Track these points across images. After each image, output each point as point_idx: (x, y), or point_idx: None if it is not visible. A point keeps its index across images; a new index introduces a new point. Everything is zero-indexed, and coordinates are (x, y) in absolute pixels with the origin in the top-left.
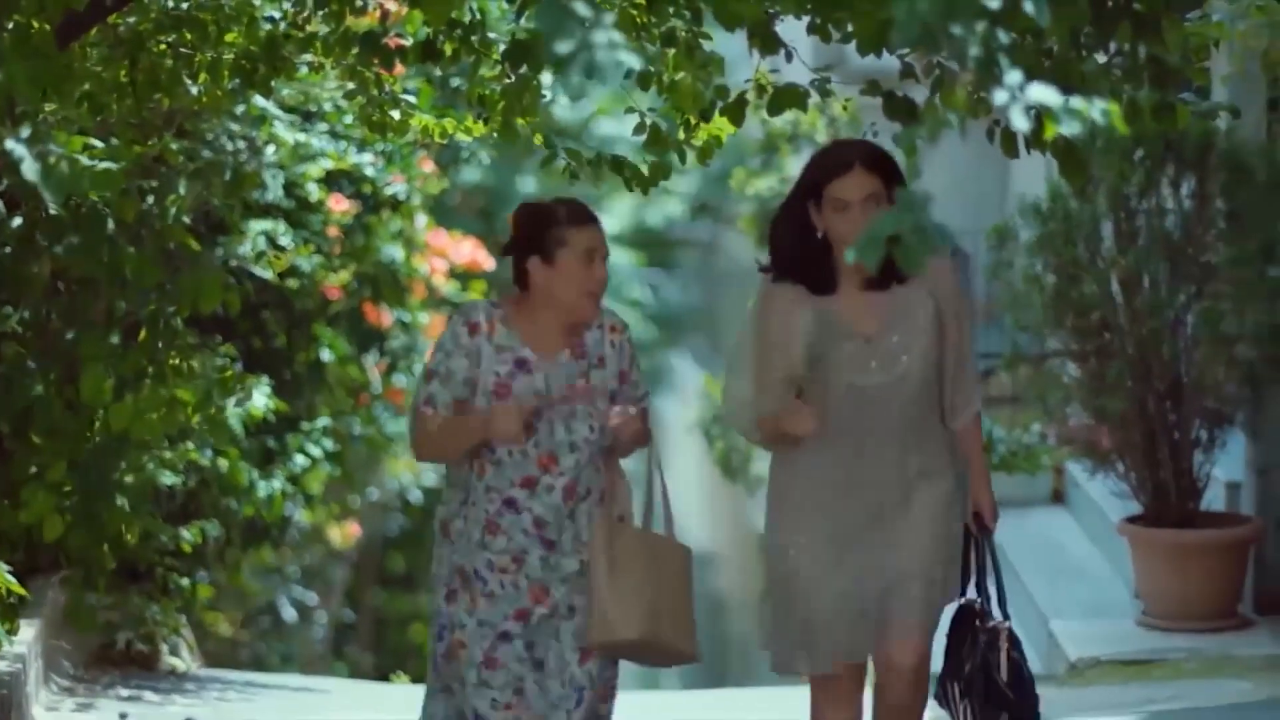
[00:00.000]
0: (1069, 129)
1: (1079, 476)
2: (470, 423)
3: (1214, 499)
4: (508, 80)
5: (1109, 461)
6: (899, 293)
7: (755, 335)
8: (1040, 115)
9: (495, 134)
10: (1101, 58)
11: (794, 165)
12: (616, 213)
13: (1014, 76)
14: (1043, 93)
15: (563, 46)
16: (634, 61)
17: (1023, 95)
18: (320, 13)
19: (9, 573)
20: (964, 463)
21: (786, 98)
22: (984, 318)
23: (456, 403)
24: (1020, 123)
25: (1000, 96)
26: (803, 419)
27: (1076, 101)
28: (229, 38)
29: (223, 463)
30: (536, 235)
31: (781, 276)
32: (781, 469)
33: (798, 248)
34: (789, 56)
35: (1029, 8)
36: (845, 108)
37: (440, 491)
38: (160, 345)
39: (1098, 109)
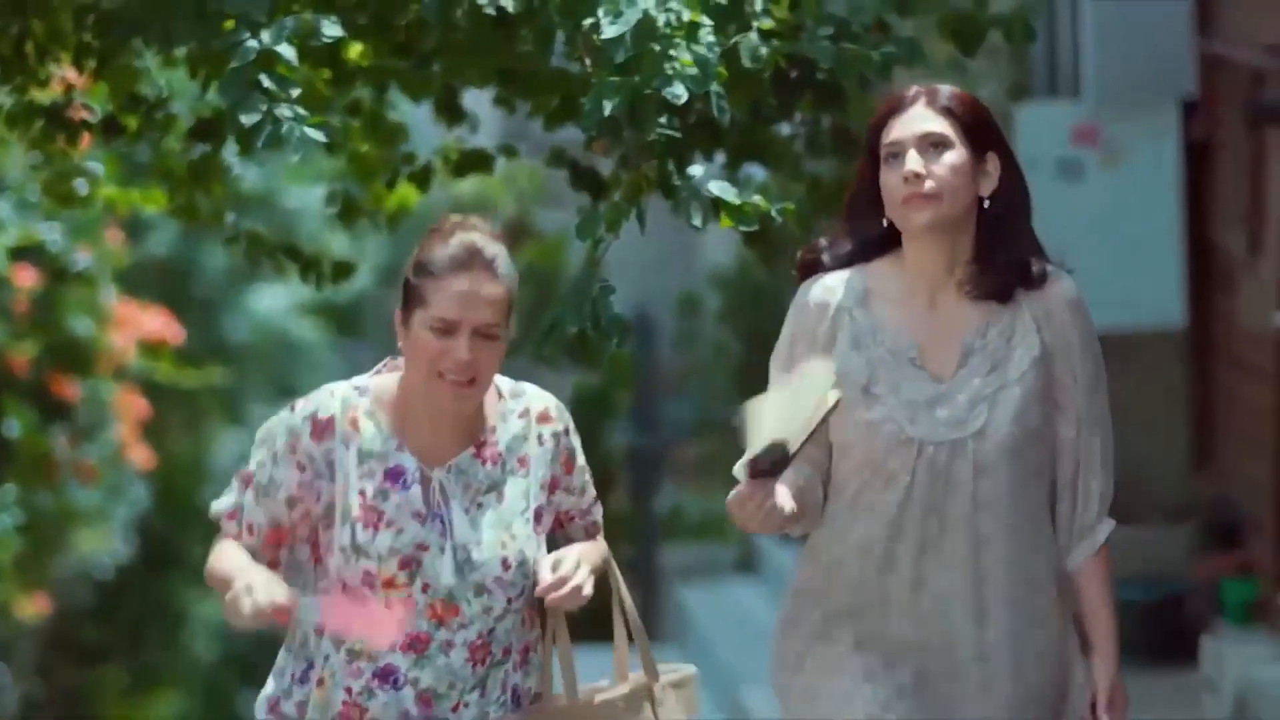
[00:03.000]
0: (744, 225)
1: (767, 544)
2: (227, 583)
3: None
4: (191, 159)
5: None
6: (989, 315)
7: (776, 354)
8: (717, 204)
9: (176, 212)
10: (787, 127)
11: None
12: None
13: (694, 169)
14: (720, 187)
15: (248, 119)
16: (319, 136)
17: (702, 187)
18: (4, 87)
19: None
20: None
21: (471, 162)
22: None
23: (272, 531)
24: (696, 219)
25: (681, 187)
26: (745, 501)
27: (756, 197)
28: None
29: None
30: (406, 281)
31: (831, 265)
32: (806, 566)
33: (862, 226)
34: (474, 127)
35: (711, 104)
36: (531, 178)
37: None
38: None
39: (775, 208)
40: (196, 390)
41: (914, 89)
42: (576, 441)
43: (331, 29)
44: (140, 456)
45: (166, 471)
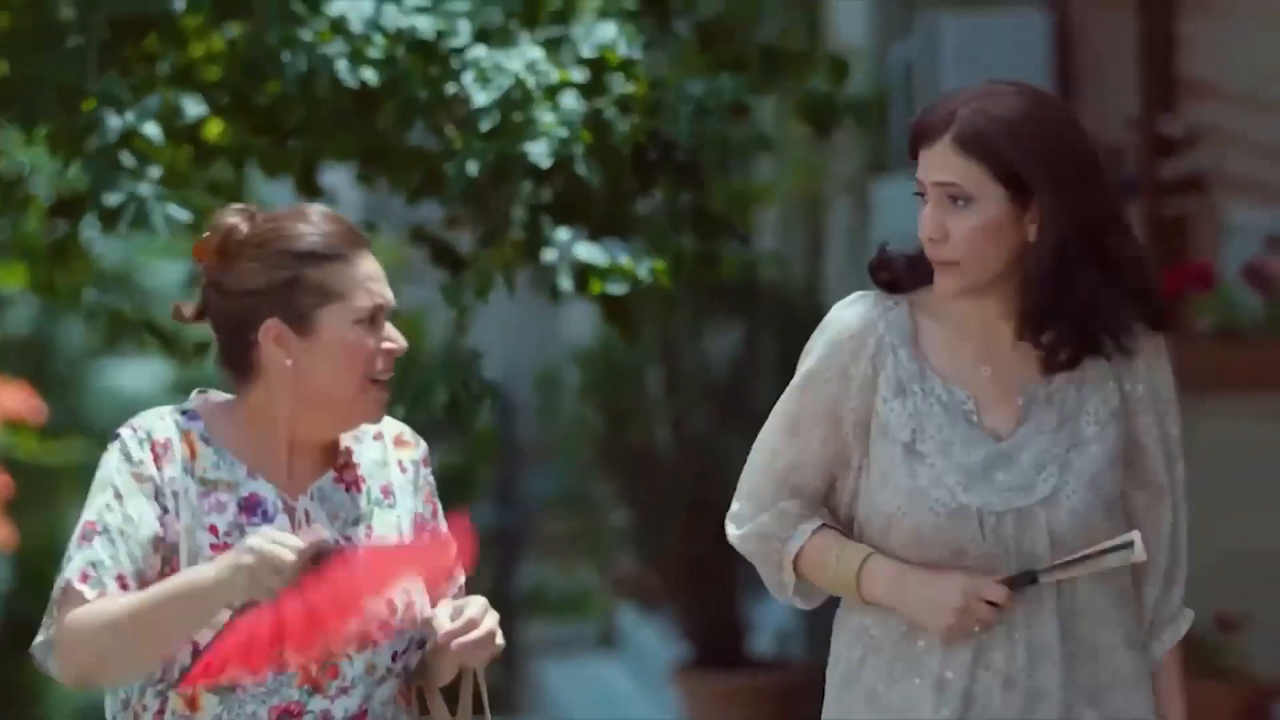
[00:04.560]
0: (615, 289)
1: (628, 622)
2: (198, 581)
3: (768, 643)
4: (52, 237)
5: (659, 605)
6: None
7: (793, 386)
8: (586, 271)
9: (36, 289)
10: (648, 204)
11: None
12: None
13: (560, 234)
14: (588, 251)
15: (111, 198)
16: (182, 214)
17: (569, 252)
18: None
19: None
20: None
21: None
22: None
23: (141, 586)
24: (565, 283)
25: (547, 254)
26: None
27: (623, 259)
28: None
29: None
30: (279, 281)
31: (886, 287)
32: (839, 685)
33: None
34: (334, 204)
35: (576, 166)
36: (391, 257)
37: None
38: None
39: (645, 267)
40: (57, 467)
41: (944, 110)
42: (431, 477)
43: (195, 107)
44: (2, 535)
45: (28, 550)
